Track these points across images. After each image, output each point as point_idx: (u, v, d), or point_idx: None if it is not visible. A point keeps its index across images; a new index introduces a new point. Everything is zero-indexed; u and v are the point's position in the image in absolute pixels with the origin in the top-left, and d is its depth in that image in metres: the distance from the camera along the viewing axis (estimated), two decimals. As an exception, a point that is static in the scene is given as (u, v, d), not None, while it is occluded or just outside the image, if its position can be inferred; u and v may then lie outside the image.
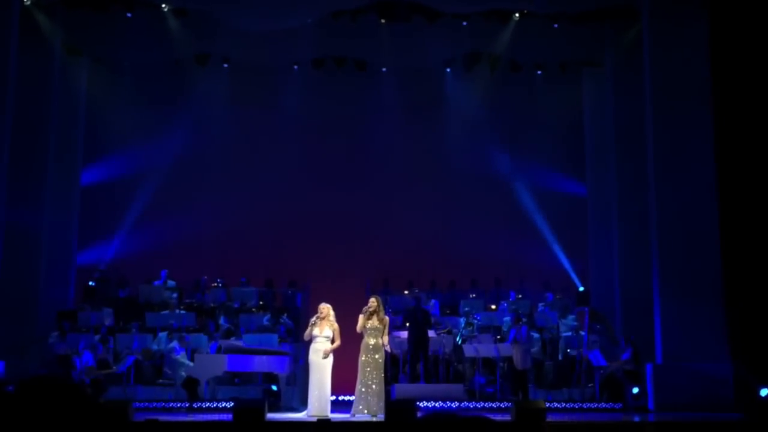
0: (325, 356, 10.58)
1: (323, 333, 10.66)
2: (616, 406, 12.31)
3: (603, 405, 12.36)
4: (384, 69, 16.85)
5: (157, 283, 15.40)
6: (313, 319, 10.73)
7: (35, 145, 14.47)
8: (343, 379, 11.17)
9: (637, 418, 10.85)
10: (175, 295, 15.07)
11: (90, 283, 15.65)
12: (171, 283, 15.43)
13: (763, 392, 11.70)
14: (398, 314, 13.68)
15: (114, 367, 12.92)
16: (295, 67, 16.83)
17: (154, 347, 13.59)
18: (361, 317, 10.84)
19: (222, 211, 16.21)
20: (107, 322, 14.18)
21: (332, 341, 10.68)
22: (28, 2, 14.31)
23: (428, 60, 16.26)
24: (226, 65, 16.67)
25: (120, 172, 16.50)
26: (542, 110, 16.87)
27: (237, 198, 16.34)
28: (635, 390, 12.39)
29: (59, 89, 15.16)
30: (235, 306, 14.98)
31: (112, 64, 16.43)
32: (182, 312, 14.45)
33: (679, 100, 12.77)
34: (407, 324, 12.91)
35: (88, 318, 14.20)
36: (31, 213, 14.31)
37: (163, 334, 13.71)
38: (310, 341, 10.84)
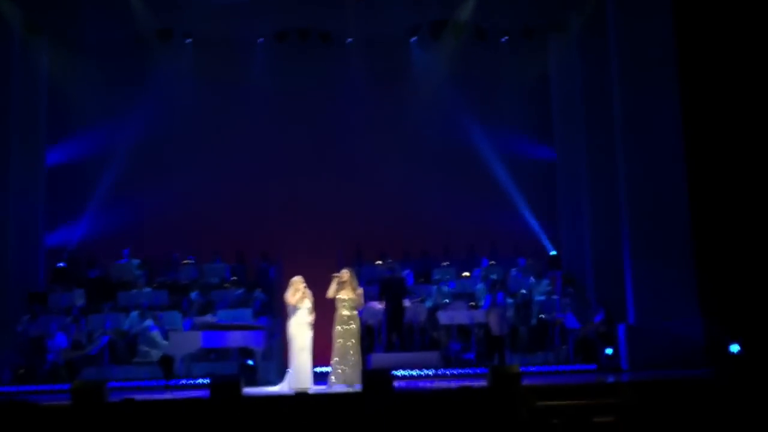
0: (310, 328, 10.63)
1: (305, 305, 10.69)
2: (590, 368, 12.47)
3: (577, 367, 12.52)
4: (349, 40, 16.69)
5: (120, 262, 15.23)
6: (300, 288, 10.66)
7: (-4, 126, 14.20)
8: (319, 350, 11.17)
9: (611, 378, 11.01)
10: (140, 272, 14.92)
11: (59, 264, 15.45)
12: (135, 261, 15.25)
13: (733, 348, 11.94)
14: (371, 284, 13.68)
15: (88, 348, 12.81)
16: (260, 40, 16.62)
17: (126, 327, 13.47)
18: (332, 283, 10.84)
19: (191, 188, 16.02)
20: (78, 302, 14.03)
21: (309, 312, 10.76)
22: (-17, -19, 13.95)
23: (393, 29, 16.14)
24: (188, 41, 16.40)
25: (86, 151, 16.25)
26: (509, 77, 16.84)
27: (206, 174, 16.15)
28: (609, 351, 12.56)
29: (19, 69, 14.83)
30: (208, 282, 14.88)
31: (74, 43, 16.07)
32: (154, 290, 14.34)
33: (645, 64, 12.83)
34: (383, 295, 12.91)
35: (58, 299, 14.05)
36: (-6, 196, 14.07)
37: (135, 313, 13.59)
38: (285, 314, 10.85)
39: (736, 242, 12.62)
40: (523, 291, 14.13)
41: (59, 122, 16.16)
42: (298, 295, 10.70)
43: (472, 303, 13.74)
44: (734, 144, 12.75)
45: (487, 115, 16.67)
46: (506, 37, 16.69)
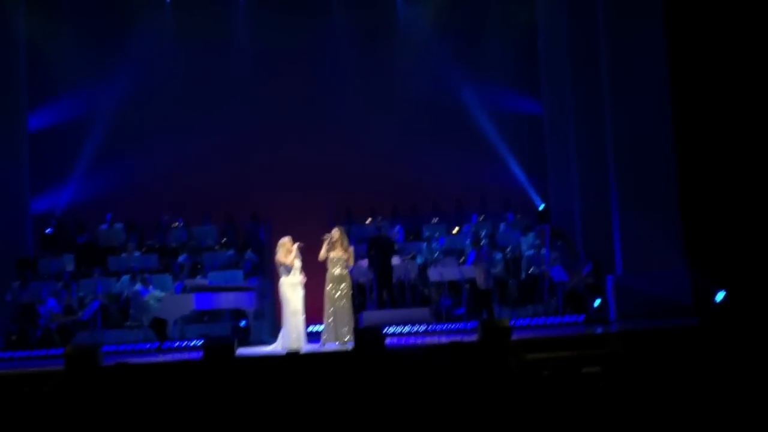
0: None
1: (296, 266, 10.73)
2: (579, 319, 12.61)
3: (566, 319, 12.65)
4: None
5: (103, 227, 15.19)
6: (291, 248, 10.68)
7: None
8: (311, 309, 11.26)
9: (599, 329, 11.15)
10: (128, 236, 14.90)
11: (47, 230, 15.39)
12: (118, 225, 15.21)
13: (719, 297, 12.10)
14: (361, 243, 13.72)
15: (79, 313, 12.85)
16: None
17: (117, 289, 13.49)
18: (324, 245, 10.87)
19: (177, 150, 15.93)
20: (68, 268, 14.03)
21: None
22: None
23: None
24: (168, -2, 16.23)
25: (69, 114, 16.12)
26: (496, 31, 16.74)
27: (192, 135, 16.04)
28: (597, 302, 12.69)
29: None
30: (198, 244, 14.88)
31: (51, 4, 15.84)
32: (143, 254, 14.35)
33: (631, 15, 12.70)
34: (371, 253, 12.95)
35: (48, 265, 14.04)
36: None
37: (125, 277, 13.61)
38: (276, 275, 10.90)
39: (721, 193, 12.71)
40: (512, 246, 14.22)
41: (40, 87, 15.99)
42: (291, 255, 10.73)
43: (462, 259, 13.81)
44: (720, 94, 12.74)
45: (473, 70, 16.58)
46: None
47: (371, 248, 13.04)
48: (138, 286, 13.05)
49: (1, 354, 12.20)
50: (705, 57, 12.75)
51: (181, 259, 14.30)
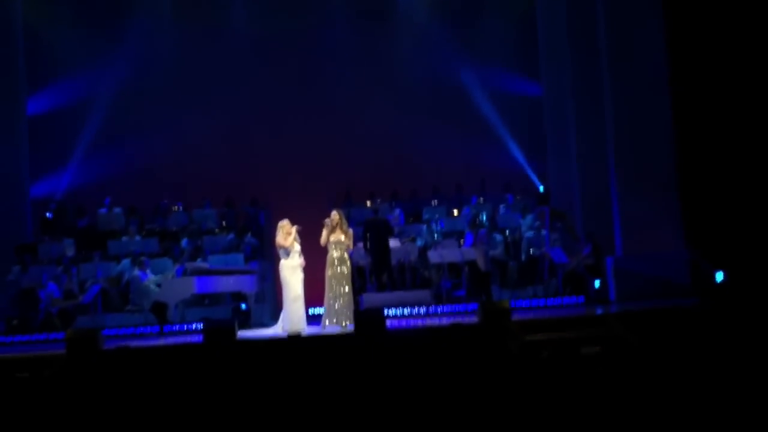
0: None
1: (295, 248, 10.73)
2: (579, 300, 12.62)
3: (566, 300, 12.66)
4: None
5: (101, 210, 15.19)
6: (290, 230, 10.68)
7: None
8: (311, 292, 11.27)
9: (599, 310, 11.16)
10: (127, 221, 14.90)
11: (47, 214, 15.40)
12: (117, 209, 15.21)
13: (718, 277, 12.12)
14: (360, 226, 13.73)
15: (80, 297, 12.86)
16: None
17: (118, 270, 13.50)
18: (324, 230, 10.86)
19: (177, 133, 15.94)
20: (68, 252, 14.04)
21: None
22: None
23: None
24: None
25: (68, 98, 16.12)
26: (495, 12, 16.71)
27: (191, 119, 16.04)
28: (597, 283, 12.70)
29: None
30: (198, 228, 14.89)
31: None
32: (143, 238, 14.35)
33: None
34: (367, 235, 12.94)
35: (48, 249, 14.04)
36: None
37: (126, 261, 13.62)
38: (276, 258, 10.90)
39: (719, 173, 12.70)
40: (513, 227, 14.21)
41: (39, 71, 15.98)
42: (290, 237, 10.73)
43: (462, 240, 13.81)
44: (720, 76, 12.70)
45: (473, 52, 16.55)
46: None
47: (367, 231, 13.02)
48: (136, 271, 13.07)
49: (1, 338, 12.22)
50: (705, 39, 12.70)
51: (183, 243, 14.31)
